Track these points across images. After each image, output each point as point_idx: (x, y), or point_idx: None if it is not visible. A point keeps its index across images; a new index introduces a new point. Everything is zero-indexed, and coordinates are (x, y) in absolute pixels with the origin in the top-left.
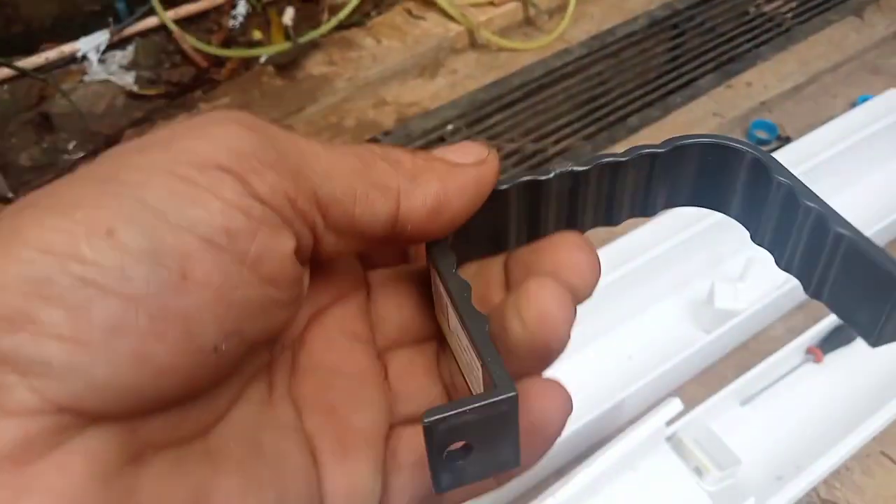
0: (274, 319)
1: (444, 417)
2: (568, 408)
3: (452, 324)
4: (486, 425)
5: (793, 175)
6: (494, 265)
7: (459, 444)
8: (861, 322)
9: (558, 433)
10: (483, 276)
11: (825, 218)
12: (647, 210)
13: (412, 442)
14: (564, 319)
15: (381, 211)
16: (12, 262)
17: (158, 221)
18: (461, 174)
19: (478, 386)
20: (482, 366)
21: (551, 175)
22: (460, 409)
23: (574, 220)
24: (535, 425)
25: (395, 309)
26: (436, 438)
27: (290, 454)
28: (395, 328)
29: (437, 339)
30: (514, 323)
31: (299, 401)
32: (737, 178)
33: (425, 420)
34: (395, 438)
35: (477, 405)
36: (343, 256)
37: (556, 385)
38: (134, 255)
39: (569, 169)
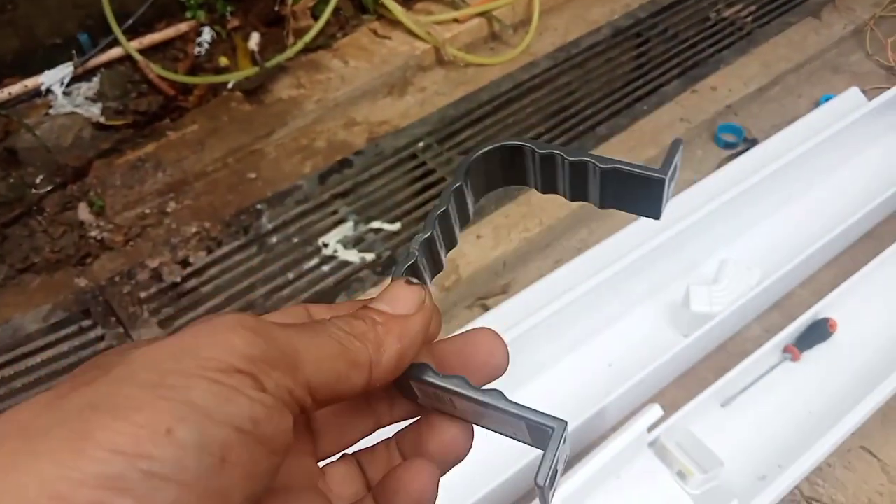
0: (274, 476)
1: (548, 476)
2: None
3: (467, 409)
4: (562, 454)
5: (551, 145)
6: (422, 355)
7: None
8: (645, 210)
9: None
10: None
11: (591, 163)
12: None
13: None
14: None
15: (358, 383)
16: (89, 462)
17: (204, 418)
18: (411, 328)
19: (524, 435)
20: (523, 421)
21: (417, 256)
22: (551, 463)
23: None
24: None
25: (332, 417)
26: (548, 491)
27: None
28: (335, 433)
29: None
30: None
31: None
32: (516, 164)
33: (540, 483)
34: None
35: (555, 451)
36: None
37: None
38: (188, 448)
39: (421, 239)
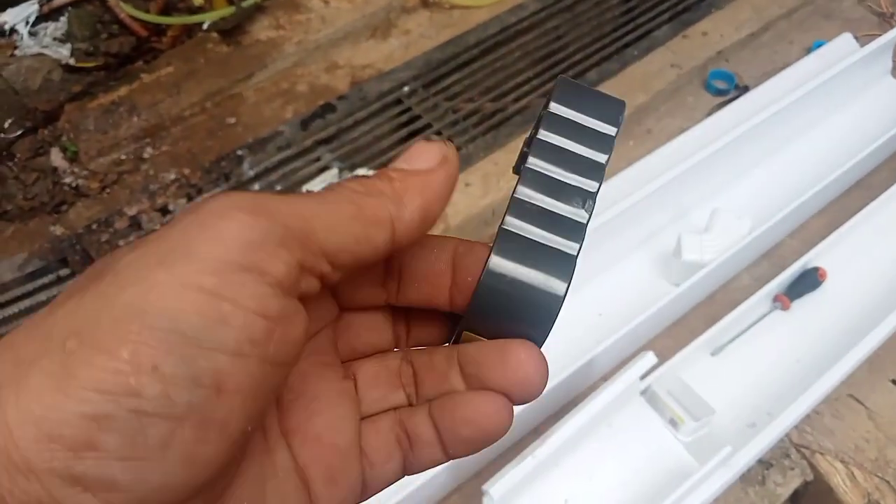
0: (282, 385)
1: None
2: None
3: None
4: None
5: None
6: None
7: None
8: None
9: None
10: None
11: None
12: None
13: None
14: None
15: (381, 242)
16: (72, 402)
17: (194, 349)
18: (434, 181)
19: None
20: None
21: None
22: None
23: None
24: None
25: (360, 334)
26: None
27: (289, 496)
28: (362, 347)
29: (402, 354)
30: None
31: (289, 435)
32: None
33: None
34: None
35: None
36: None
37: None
38: (177, 383)
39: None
